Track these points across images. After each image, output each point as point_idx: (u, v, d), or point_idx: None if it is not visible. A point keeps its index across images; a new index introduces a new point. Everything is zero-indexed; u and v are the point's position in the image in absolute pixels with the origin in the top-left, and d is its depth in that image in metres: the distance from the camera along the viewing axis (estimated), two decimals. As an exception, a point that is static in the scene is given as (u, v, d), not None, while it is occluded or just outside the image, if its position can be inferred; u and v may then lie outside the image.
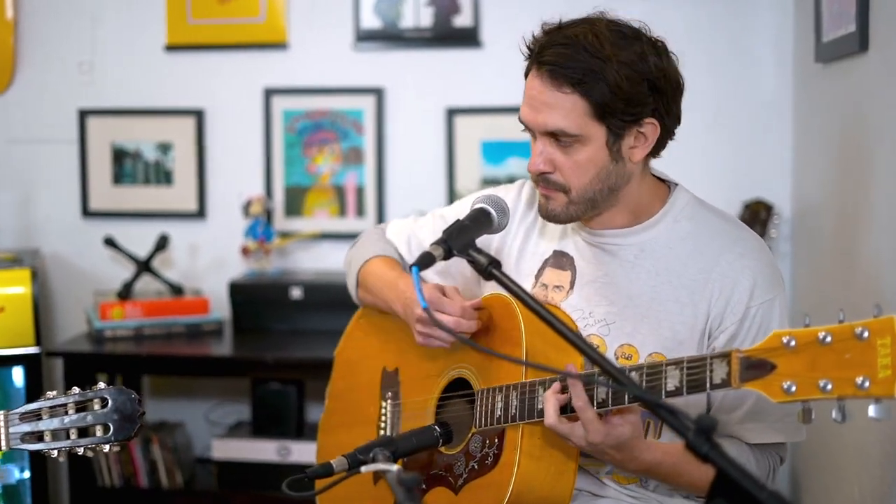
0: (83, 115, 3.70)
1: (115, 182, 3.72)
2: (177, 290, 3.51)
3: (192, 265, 3.71)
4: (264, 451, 3.30)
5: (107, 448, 1.72)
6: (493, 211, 1.70)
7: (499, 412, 1.74)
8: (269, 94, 3.63)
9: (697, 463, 1.27)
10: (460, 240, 1.62)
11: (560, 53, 1.67)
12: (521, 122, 1.76)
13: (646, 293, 1.77)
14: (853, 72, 2.51)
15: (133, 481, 3.42)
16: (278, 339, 3.36)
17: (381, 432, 2.01)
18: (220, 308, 3.55)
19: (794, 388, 1.34)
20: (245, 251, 3.54)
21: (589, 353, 1.49)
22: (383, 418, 2.02)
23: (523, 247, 1.93)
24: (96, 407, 1.71)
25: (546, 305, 1.69)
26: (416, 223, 2.10)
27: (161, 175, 3.70)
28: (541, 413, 1.66)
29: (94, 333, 3.38)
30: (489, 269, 1.59)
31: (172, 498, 3.42)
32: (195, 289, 3.62)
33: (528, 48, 1.75)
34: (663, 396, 1.51)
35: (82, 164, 3.72)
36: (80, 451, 1.72)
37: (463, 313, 1.80)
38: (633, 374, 1.56)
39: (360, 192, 3.62)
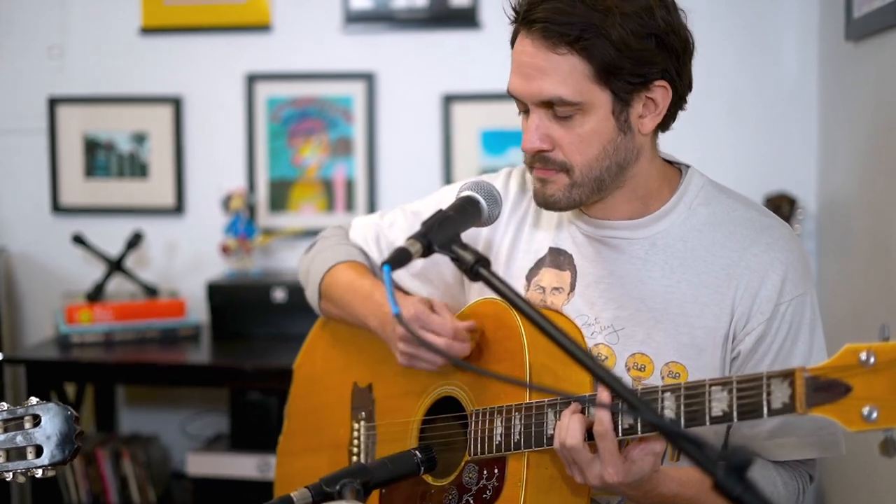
0: (53, 102, 3.64)
1: (87, 175, 3.65)
2: (151, 291, 3.44)
3: (168, 265, 3.66)
4: (243, 466, 3.22)
5: (39, 473, 1.58)
6: (481, 199, 1.55)
7: (499, 438, 1.58)
8: (252, 80, 3.58)
9: (717, 495, 1.12)
10: (443, 233, 1.45)
11: (553, 8, 1.51)
12: (511, 94, 1.60)
13: (660, 294, 1.61)
14: (889, 50, 2.41)
15: (102, 499, 3.34)
16: (260, 345, 3.28)
17: (354, 458, 1.86)
18: (198, 311, 3.48)
19: (875, 415, 1.20)
20: (225, 249, 3.48)
21: (598, 371, 1.31)
22: (356, 442, 1.87)
23: (514, 244, 1.76)
24: (27, 426, 1.57)
25: (545, 311, 1.53)
26: (384, 219, 1.95)
27: (136, 167, 3.66)
28: (550, 440, 1.51)
29: (61, 338, 3.29)
30: (476, 268, 1.41)
31: (144, 516, 3.37)
32: (171, 290, 3.57)
33: (514, 9, 1.58)
34: (707, 423, 1.36)
35: (52, 156, 3.65)
36: (9, 476, 1.58)
37: (455, 335, 1.63)
38: (668, 396, 1.39)
39: (349, 185, 3.56)
